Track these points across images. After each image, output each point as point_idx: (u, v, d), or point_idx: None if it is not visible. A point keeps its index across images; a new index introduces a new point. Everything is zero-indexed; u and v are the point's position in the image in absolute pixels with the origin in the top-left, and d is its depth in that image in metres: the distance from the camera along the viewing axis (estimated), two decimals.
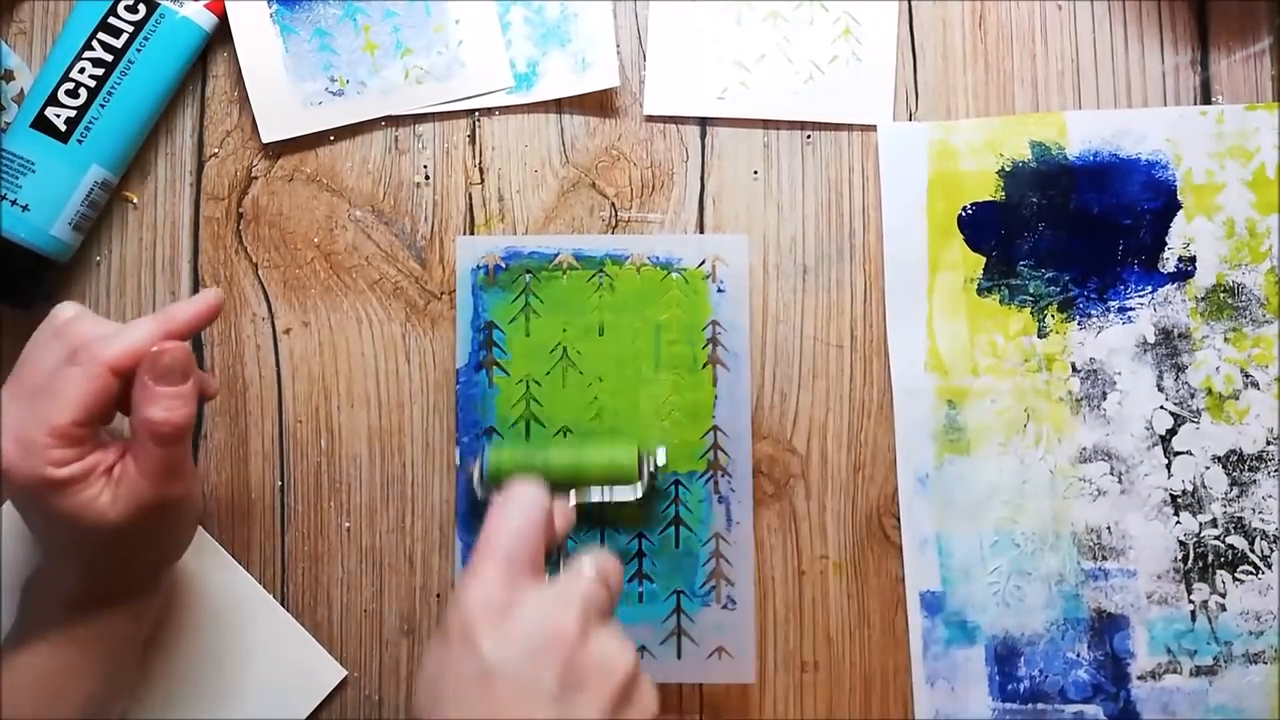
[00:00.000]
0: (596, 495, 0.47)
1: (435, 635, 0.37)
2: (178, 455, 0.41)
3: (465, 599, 0.36)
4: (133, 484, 0.40)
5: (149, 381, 0.39)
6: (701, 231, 0.51)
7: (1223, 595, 0.49)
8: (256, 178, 0.52)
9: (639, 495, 0.47)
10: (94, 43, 0.48)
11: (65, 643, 0.42)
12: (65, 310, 0.42)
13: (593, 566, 0.38)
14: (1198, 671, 0.49)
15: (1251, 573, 0.49)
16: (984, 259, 0.51)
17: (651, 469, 0.48)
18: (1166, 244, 0.51)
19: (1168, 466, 0.50)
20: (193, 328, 0.42)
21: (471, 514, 0.50)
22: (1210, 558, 0.49)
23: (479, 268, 0.50)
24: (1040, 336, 0.50)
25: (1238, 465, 0.50)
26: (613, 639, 0.37)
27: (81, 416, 0.39)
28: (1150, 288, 0.50)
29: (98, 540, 0.40)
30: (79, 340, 0.40)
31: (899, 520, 0.50)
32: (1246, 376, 0.50)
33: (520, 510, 0.39)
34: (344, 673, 0.50)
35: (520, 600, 0.37)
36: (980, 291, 0.51)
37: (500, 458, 0.47)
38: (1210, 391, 0.50)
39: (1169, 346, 0.50)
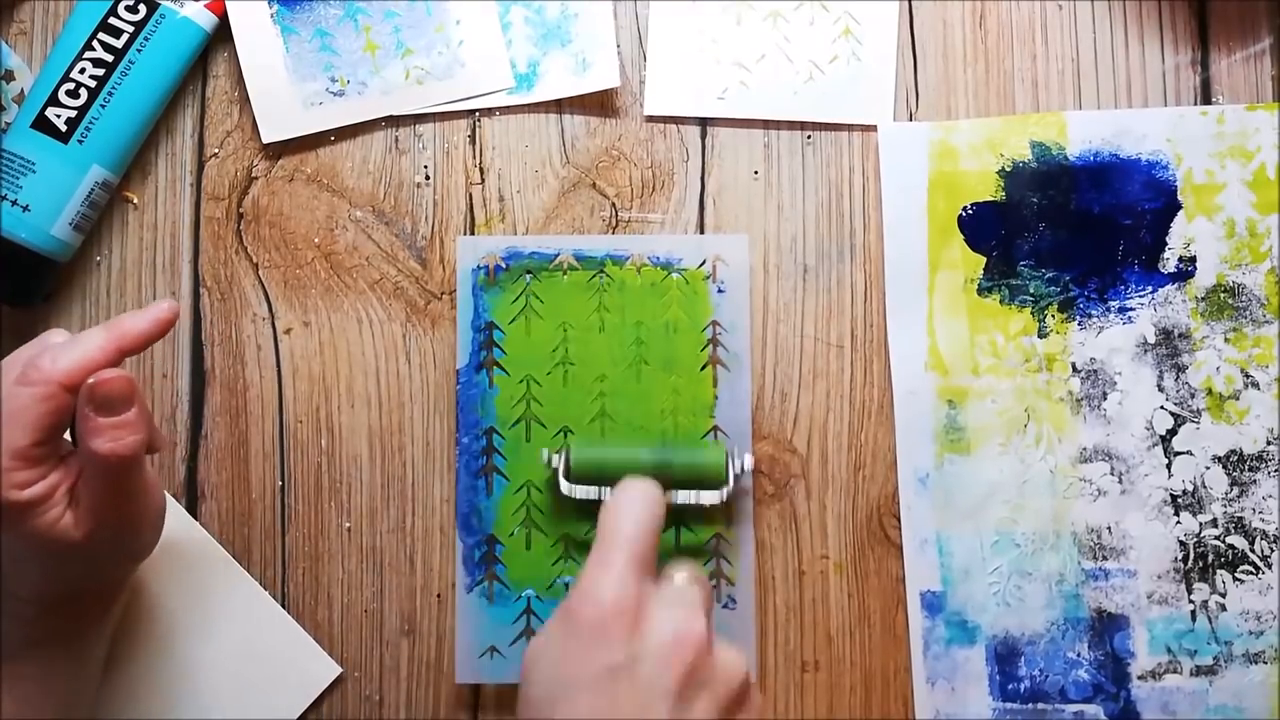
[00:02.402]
0: (683, 498, 0.47)
1: (560, 623, 0.37)
2: (131, 479, 0.40)
3: (601, 594, 0.36)
4: (92, 505, 0.39)
5: (90, 413, 0.38)
6: (701, 231, 0.52)
7: (1223, 595, 0.49)
8: (257, 178, 0.52)
9: (724, 500, 0.47)
10: (94, 43, 0.48)
11: (32, 640, 0.42)
12: (49, 335, 0.41)
13: (694, 572, 0.39)
14: (1198, 671, 0.49)
15: (1252, 573, 0.49)
16: (984, 259, 0.51)
17: (737, 471, 0.48)
18: (1167, 244, 0.51)
19: (1168, 466, 0.50)
20: (145, 341, 0.41)
21: (471, 514, 0.50)
22: (1210, 558, 0.49)
23: (479, 268, 0.50)
24: (1040, 336, 0.50)
25: (1238, 465, 0.50)
26: (729, 646, 0.37)
27: (39, 437, 0.38)
28: (1150, 288, 0.50)
29: (61, 553, 0.40)
30: (34, 357, 0.39)
31: (899, 520, 0.50)
32: (1247, 376, 0.50)
33: (642, 506, 0.39)
34: (339, 670, 0.50)
35: (648, 599, 0.37)
36: (980, 291, 0.51)
37: (586, 455, 0.47)
38: (1210, 391, 0.50)
39: (1169, 346, 0.50)
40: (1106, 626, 0.49)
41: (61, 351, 0.39)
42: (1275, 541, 0.49)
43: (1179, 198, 0.51)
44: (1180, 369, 0.50)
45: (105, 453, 0.38)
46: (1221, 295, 0.50)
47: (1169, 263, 0.51)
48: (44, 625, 0.42)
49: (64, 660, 0.43)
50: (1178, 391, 0.50)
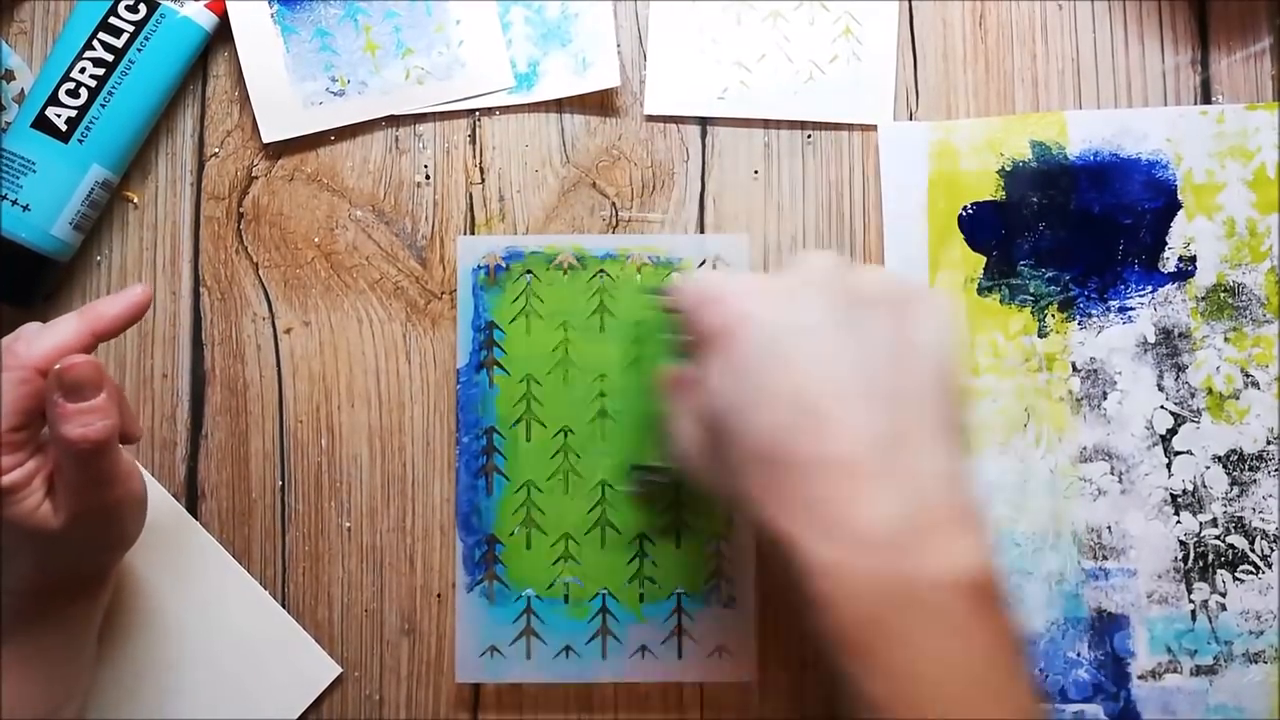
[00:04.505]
0: None
1: (707, 356, 0.37)
2: (105, 465, 0.40)
3: (727, 294, 0.37)
4: (68, 492, 0.39)
5: (59, 399, 0.38)
6: (702, 231, 0.52)
7: (1223, 595, 0.49)
8: (257, 177, 0.52)
9: None
10: (94, 42, 0.48)
11: (16, 632, 0.42)
12: (25, 326, 0.41)
13: None
14: (1198, 671, 0.49)
15: (1252, 572, 0.49)
16: (984, 259, 0.51)
17: None
18: (1167, 244, 0.51)
19: (1168, 466, 0.50)
20: (119, 325, 0.41)
21: (471, 514, 0.50)
22: (1210, 557, 0.49)
23: (479, 267, 0.50)
24: (1040, 336, 0.50)
25: (1238, 465, 0.50)
26: (862, 266, 0.38)
27: (16, 422, 0.38)
28: (1150, 287, 0.50)
29: (41, 542, 0.40)
30: (9, 342, 0.39)
31: None
32: (1247, 376, 0.50)
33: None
34: (339, 670, 0.50)
35: (763, 279, 0.38)
36: (981, 291, 0.51)
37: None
38: (1210, 391, 0.50)
39: (1169, 346, 0.50)
40: (1106, 626, 0.49)
41: (36, 337, 0.39)
42: (1275, 541, 0.49)
43: (1179, 197, 0.51)
44: (1180, 368, 0.50)
45: (75, 438, 0.38)
46: (1221, 295, 0.50)
47: (1169, 262, 0.51)
48: (28, 617, 0.42)
49: (51, 652, 0.43)
50: (1178, 391, 0.50)
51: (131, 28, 0.49)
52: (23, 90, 0.50)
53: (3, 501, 0.38)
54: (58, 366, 0.38)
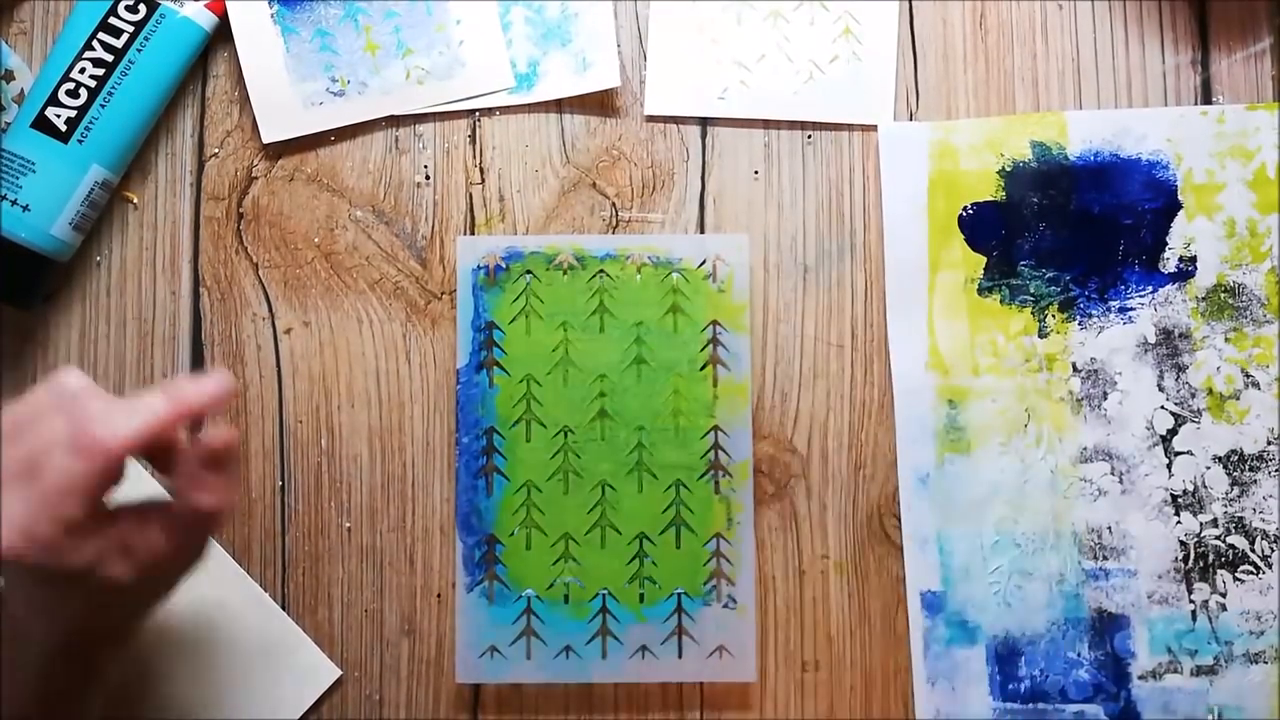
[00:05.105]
0: None
1: None
2: (211, 531, 0.40)
3: None
4: (153, 550, 0.38)
5: (200, 470, 0.39)
6: (702, 231, 0.52)
7: (1223, 595, 0.49)
8: (257, 178, 0.52)
9: None
10: (94, 43, 0.48)
11: (47, 678, 0.40)
12: (70, 381, 0.38)
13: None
14: (1198, 671, 0.49)
15: (1252, 572, 0.49)
16: (984, 259, 0.51)
17: None
18: (1167, 244, 0.51)
19: (1168, 466, 0.50)
20: (205, 413, 0.40)
21: (471, 514, 0.50)
22: (1211, 557, 0.49)
23: (479, 268, 0.50)
24: (1041, 336, 0.50)
25: (1238, 465, 0.50)
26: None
27: (94, 508, 0.37)
28: (1151, 288, 0.50)
29: (103, 598, 0.39)
30: (82, 421, 0.37)
31: (899, 520, 0.50)
32: (1247, 376, 0.50)
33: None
34: (339, 672, 0.50)
35: None
36: (981, 291, 0.51)
37: None
38: (1211, 391, 0.50)
39: (1170, 346, 0.50)
40: (1107, 626, 0.49)
41: (116, 418, 0.37)
42: (1275, 541, 0.49)
43: (1179, 197, 0.51)
44: (1180, 369, 0.50)
45: (210, 506, 0.39)
46: (1222, 295, 0.50)
47: (1169, 262, 0.51)
48: (58, 663, 0.40)
49: (70, 701, 0.41)
50: (1178, 391, 0.50)
51: (131, 28, 0.49)
52: (23, 90, 0.50)
53: (77, 578, 0.37)
54: (209, 442, 0.39)
